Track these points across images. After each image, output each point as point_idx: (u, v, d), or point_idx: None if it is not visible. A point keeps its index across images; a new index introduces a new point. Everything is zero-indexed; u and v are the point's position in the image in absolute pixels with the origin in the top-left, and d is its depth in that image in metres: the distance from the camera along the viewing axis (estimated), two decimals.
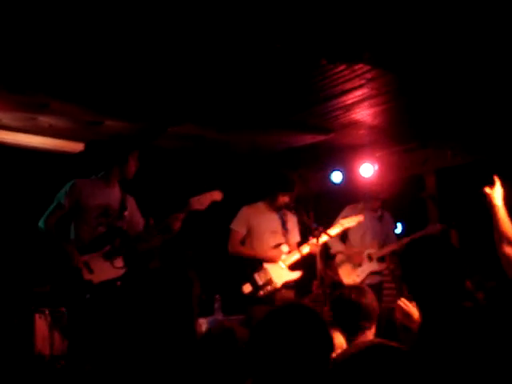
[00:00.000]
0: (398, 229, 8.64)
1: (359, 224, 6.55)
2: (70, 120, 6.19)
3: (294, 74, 5.29)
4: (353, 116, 6.53)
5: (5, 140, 6.42)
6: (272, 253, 5.97)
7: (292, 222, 6.20)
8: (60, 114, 5.98)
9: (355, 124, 6.85)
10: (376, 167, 7.92)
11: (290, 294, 5.99)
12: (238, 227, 6.05)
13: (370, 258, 7.01)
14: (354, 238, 7.11)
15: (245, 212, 6.12)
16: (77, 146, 6.91)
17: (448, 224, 7.33)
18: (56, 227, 4.87)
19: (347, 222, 6.38)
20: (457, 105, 6.15)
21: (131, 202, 5.22)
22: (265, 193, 6.17)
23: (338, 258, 7.14)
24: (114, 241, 4.92)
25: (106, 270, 4.82)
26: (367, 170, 7.92)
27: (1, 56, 4.67)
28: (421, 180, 8.25)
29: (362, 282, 6.78)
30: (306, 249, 6.01)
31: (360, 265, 7.01)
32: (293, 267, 6.06)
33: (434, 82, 5.56)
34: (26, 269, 6.27)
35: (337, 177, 8.47)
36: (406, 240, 6.94)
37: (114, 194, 5.09)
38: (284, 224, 6.10)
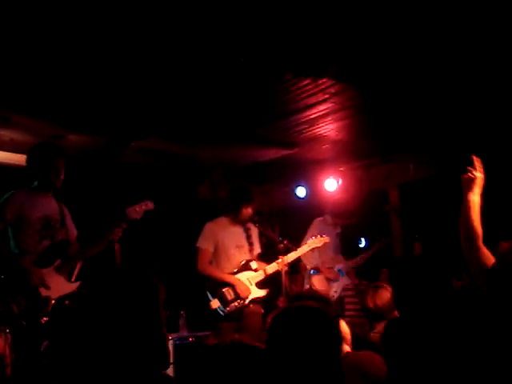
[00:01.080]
0: (362, 243, 8.69)
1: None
2: (31, 134, 6.08)
3: (258, 88, 5.31)
4: (317, 130, 6.57)
5: None
6: (241, 284, 5.90)
7: (255, 234, 6.17)
8: (21, 128, 5.89)
9: (319, 138, 6.90)
10: (340, 182, 7.97)
11: (258, 309, 5.95)
12: (206, 245, 5.95)
13: (341, 272, 7.09)
14: (321, 254, 7.13)
15: (209, 228, 6.03)
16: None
17: (412, 237, 7.43)
18: None
19: (314, 242, 6.38)
20: (419, 119, 6.23)
21: (66, 211, 5.12)
22: (227, 207, 6.13)
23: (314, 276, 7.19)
24: (62, 254, 4.83)
25: (61, 285, 4.72)
26: (331, 184, 7.97)
27: None
28: (384, 194, 8.32)
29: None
30: (270, 269, 6.01)
31: (334, 280, 7.09)
32: (261, 283, 6.04)
33: (396, 97, 5.63)
34: None
35: (301, 191, 8.50)
36: (366, 255, 7.15)
37: (52, 205, 4.98)
38: (249, 237, 6.07)
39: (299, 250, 6.22)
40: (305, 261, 7.07)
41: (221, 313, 5.79)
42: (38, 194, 4.88)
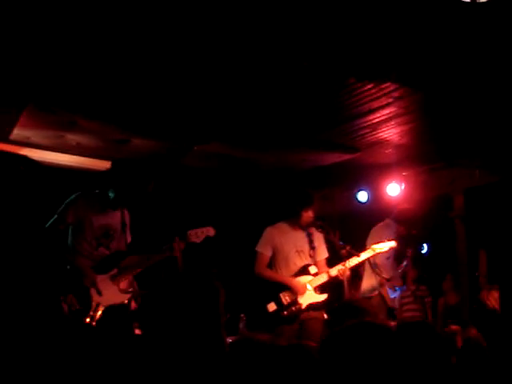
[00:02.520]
0: (424, 249, 8.55)
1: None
2: (97, 138, 6.23)
3: (321, 93, 5.28)
4: (379, 135, 6.49)
5: (33, 158, 6.46)
6: (298, 283, 5.90)
7: (319, 239, 6.13)
8: (87, 132, 6.02)
9: (382, 143, 6.81)
10: (403, 186, 7.85)
11: (318, 314, 5.92)
12: (264, 249, 6.00)
13: (389, 280, 6.99)
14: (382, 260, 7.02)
15: (269, 233, 6.07)
16: (103, 164, 6.93)
17: (477, 244, 7.27)
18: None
19: (379, 248, 6.29)
20: (485, 122, 6.08)
21: (127, 219, 5.19)
22: (287, 211, 6.12)
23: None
24: (119, 264, 4.90)
25: (113, 294, 4.79)
26: (394, 189, 7.86)
27: (31, 75, 4.72)
28: (449, 199, 8.15)
29: None
30: (334, 271, 5.96)
31: (396, 289, 7.02)
32: (320, 289, 6.00)
33: (461, 101, 5.51)
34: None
35: (363, 196, 8.42)
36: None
37: (116, 215, 5.06)
38: (311, 242, 6.04)
39: (363, 254, 6.15)
40: (382, 269, 6.94)
41: (277, 316, 5.79)
42: (108, 205, 4.97)
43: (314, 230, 6.08)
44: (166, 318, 2.45)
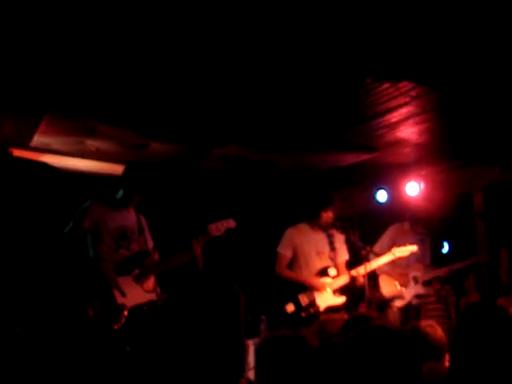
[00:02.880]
0: (445, 248, 8.50)
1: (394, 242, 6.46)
2: (117, 143, 6.27)
3: (339, 94, 5.29)
4: (398, 134, 6.48)
5: (53, 164, 6.53)
6: (319, 282, 5.91)
7: (339, 240, 6.13)
8: (107, 137, 6.08)
9: (400, 142, 6.80)
10: (422, 185, 7.81)
11: (336, 316, 5.91)
12: (284, 250, 6.03)
13: (416, 280, 6.88)
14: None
15: (289, 234, 6.09)
16: (122, 169, 7.00)
17: (498, 242, 7.20)
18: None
19: (399, 251, 6.27)
20: (503, 119, 6.05)
21: (144, 222, 5.24)
22: (307, 212, 6.13)
23: (382, 276, 7.03)
24: (141, 264, 4.93)
25: (138, 294, 4.82)
26: (413, 188, 7.83)
27: (51, 82, 4.78)
28: (468, 198, 8.10)
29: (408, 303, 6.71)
30: (356, 273, 5.95)
31: (405, 286, 6.88)
32: (340, 291, 6.00)
33: (478, 99, 5.49)
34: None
35: (382, 196, 8.38)
36: (453, 267, 6.90)
37: (130, 216, 5.11)
38: (331, 244, 6.04)
39: (383, 257, 6.15)
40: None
41: (296, 317, 5.80)
42: (118, 205, 5.02)
43: (334, 231, 6.08)
44: (187, 324, 2.47)
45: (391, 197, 8.25)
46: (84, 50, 4.24)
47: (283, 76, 4.84)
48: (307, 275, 5.97)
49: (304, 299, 5.88)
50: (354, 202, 9.00)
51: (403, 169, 7.78)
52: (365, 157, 7.21)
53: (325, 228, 6.04)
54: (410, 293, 6.83)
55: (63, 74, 4.65)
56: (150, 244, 5.23)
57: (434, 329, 3.75)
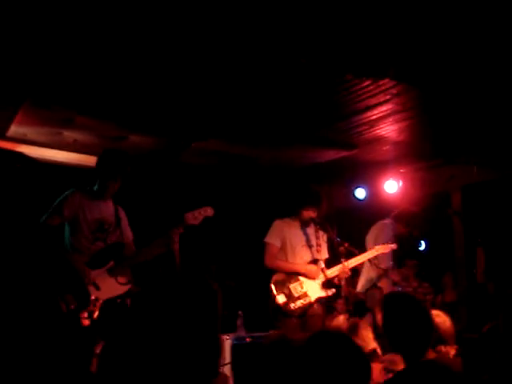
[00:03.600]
0: (422, 246, 8.55)
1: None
2: (95, 135, 6.22)
3: (319, 90, 5.28)
4: (377, 132, 6.49)
5: (29, 155, 6.46)
6: (312, 268, 5.92)
7: (323, 238, 6.14)
8: (85, 128, 6.02)
9: (379, 140, 6.81)
10: (400, 183, 7.84)
11: (320, 310, 5.93)
12: (273, 240, 6.01)
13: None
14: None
15: (278, 225, 6.08)
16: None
17: (475, 241, 7.24)
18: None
19: (381, 248, 6.31)
20: (483, 120, 6.08)
21: (122, 214, 5.19)
22: (291, 207, 6.12)
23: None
24: (116, 256, 4.89)
25: (111, 287, 4.78)
26: (391, 186, 7.86)
27: (28, 72, 4.72)
28: (446, 196, 8.14)
29: None
30: (334, 272, 5.97)
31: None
32: (325, 284, 6.01)
33: (459, 98, 5.51)
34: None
35: (360, 193, 8.41)
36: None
37: (108, 208, 5.06)
38: (317, 239, 6.05)
39: (364, 255, 6.18)
40: (380, 259, 6.89)
41: (285, 309, 5.78)
42: (96, 196, 4.97)
43: (318, 229, 6.09)
44: (160, 318, 2.44)
45: (370, 194, 8.28)
46: (63, 39, 4.19)
47: (263, 70, 4.82)
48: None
49: (296, 290, 5.86)
50: (333, 198, 9.00)
51: (382, 166, 7.80)
52: (344, 153, 7.22)
53: (307, 223, 6.05)
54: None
55: (41, 64, 4.60)
56: (129, 237, 5.19)
57: (443, 319, 3.83)
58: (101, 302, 4.65)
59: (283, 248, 6.02)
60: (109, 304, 4.70)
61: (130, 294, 4.94)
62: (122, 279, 4.86)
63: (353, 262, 6.01)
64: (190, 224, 5.02)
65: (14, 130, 5.92)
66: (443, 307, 7.90)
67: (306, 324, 5.80)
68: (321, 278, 5.95)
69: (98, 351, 4.52)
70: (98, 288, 4.68)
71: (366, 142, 6.87)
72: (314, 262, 5.98)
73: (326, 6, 3.85)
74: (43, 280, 4.74)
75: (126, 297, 4.85)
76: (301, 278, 5.92)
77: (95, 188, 5.02)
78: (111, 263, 4.84)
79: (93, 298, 4.62)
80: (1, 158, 6.10)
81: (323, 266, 5.98)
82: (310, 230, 6.08)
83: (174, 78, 4.96)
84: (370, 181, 8.22)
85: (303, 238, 6.04)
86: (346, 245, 5.97)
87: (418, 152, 7.42)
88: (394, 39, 4.34)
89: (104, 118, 5.78)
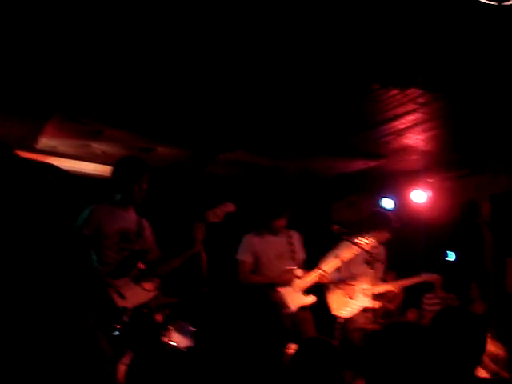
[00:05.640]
0: (451, 257, 8.47)
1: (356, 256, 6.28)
2: (123, 147, 6.27)
3: (346, 99, 5.28)
4: (405, 141, 6.46)
5: (59, 166, 6.52)
6: (285, 276, 5.87)
7: (297, 240, 6.08)
8: (113, 140, 6.08)
9: (407, 149, 6.78)
10: (429, 193, 7.78)
11: (308, 315, 5.87)
12: (245, 256, 5.93)
13: (364, 293, 6.56)
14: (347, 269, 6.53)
15: (247, 240, 6.00)
16: None
17: (505, 251, 7.14)
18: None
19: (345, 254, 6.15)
20: (511, 128, 6.02)
21: (147, 226, 5.17)
22: (261, 220, 6.07)
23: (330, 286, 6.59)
24: (138, 264, 4.87)
25: (137, 295, 4.77)
26: (420, 196, 7.80)
27: (57, 85, 4.78)
28: (475, 206, 8.06)
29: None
30: (321, 271, 5.92)
31: (351, 298, 6.48)
32: (307, 290, 5.95)
33: (486, 107, 5.47)
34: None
35: (388, 203, 8.36)
36: (405, 282, 6.68)
37: (130, 218, 5.04)
38: (290, 244, 5.98)
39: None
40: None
41: None
42: (118, 207, 4.96)
43: (293, 233, 6.04)
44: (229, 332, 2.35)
45: (398, 204, 8.22)
46: (92, 54, 4.24)
47: (291, 81, 4.83)
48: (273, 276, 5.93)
49: (275, 300, 5.79)
50: (361, 208, 8.97)
51: (410, 176, 7.75)
52: (372, 163, 7.20)
53: (282, 231, 6.00)
54: (358, 306, 6.44)
55: (70, 78, 4.66)
56: (154, 247, 5.17)
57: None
58: (129, 311, 4.65)
59: (257, 262, 5.93)
60: (137, 312, 4.70)
61: (158, 306, 4.93)
62: (147, 286, 4.85)
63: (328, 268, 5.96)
64: (211, 221, 4.98)
65: (43, 142, 6.00)
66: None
67: (301, 331, 5.72)
68: (300, 286, 5.88)
69: (126, 362, 4.53)
70: (123, 297, 4.67)
71: (394, 152, 6.84)
72: (290, 271, 5.91)
73: (353, 17, 3.85)
74: (71, 292, 4.75)
75: (154, 307, 4.85)
76: (278, 288, 5.84)
77: (117, 198, 5.00)
78: (135, 271, 4.83)
79: (120, 307, 4.62)
80: (31, 169, 6.16)
81: (301, 273, 5.91)
82: (281, 238, 6.01)
83: (203, 90, 4.99)
84: (397, 191, 8.17)
85: (276, 247, 5.97)
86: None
87: (446, 161, 7.37)
88: (422, 48, 4.33)
89: (132, 129, 5.83)
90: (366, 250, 5.95)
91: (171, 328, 6.34)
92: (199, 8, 3.70)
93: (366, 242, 5.92)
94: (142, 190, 4.90)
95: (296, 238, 6.07)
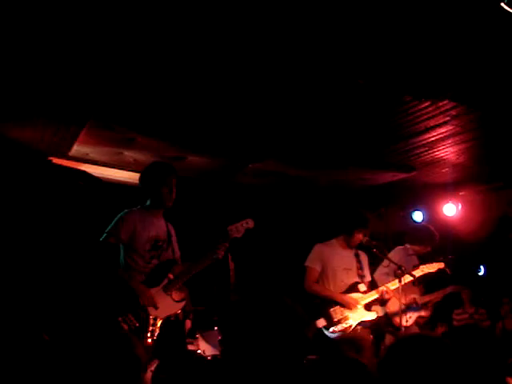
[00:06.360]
0: (481, 271, 8.38)
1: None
2: (154, 155, 6.31)
3: (377, 111, 5.26)
4: (436, 154, 6.42)
5: (91, 173, 6.59)
6: (350, 298, 5.84)
7: (365, 260, 6.09)
8: (145, 149, 6.12)
9: (438, 162, 6.73)
10: (460, 207, 7.72)
11: (366, 335, 5.83)
12: (314, 264, 5.96)
13: (416, 303, 6.65)
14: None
15: (318, 249, 6.04)
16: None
17: None
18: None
19: (427, 267, 6.18)
20: None
21: (173, 231, 5.17)
22: (340, 230, 6.08)
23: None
24: (169, 274, 4.88)
25: (168, 305, 4.79)
26: (451, 209, 7.74)
27: (90, 93, 4.84)
28: (508, 220, 7.96)
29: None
30: (383, 289, 5.91)
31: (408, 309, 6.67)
32: (369, 306, 5.92)
33: None
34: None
35: (418, 216, 8.31)
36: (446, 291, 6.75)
37: (161, 225, 5.06)
38: (359, 262, 6.00)
39: (414, 272, 6.06)
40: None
41: (326, 333, 5.71)
42: (149, 213, 4.98)
43: (361, 252, 6.05)
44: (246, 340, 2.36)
45: (428, 217, 8.16)
46: (125, 63, 4.30)
47: (322, 92, 4.84)
48: (336, 291, 5.91)
49: (336, 313, 5.80)
50: (390, 220, 8.92)
51: (441, 189, 7.70)
52: (402, 176, 7.16)
53: (353, 247, 6.01)
54: (412, 316, 6.55)
55: (103, 85, 4.71)
56: (178, 253, 5.19)
57: None
58: (160, 320, 4.67)
59: (323, 271, 5.96)
60: (167, 322, 4.72)
61: (185, 312, 4.95)
62: (176, 296, 4.87)
63: (395, 284, 5.90)
64: (233, 237, 5.00)
65: (76, 149, 6.07)
66: (504, 335, 7.72)
67: (359, 347, 5.68)
68: (363, 301, 5.87)
69: (152, 368, 4.56)
70: (156, 307, 4.70)
71: (425, 164, 6.80)
72: (353, 286, 5.91)
73: (387, 30, 3.85)
74: (102, 299, 4.78)
75: (182, 315, 4.87)
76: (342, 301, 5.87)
77: (148, 204, 5.02)
78: (165, 281, 4.86)
79: (152, 317, 4.65)
80: (64, 175, 6.24)
81: (364, 288, 5.91)
82: (355, 253, 6.03)
83: (234, 101, 5.02)
84: (428, 203, 8.11)
85: (345, 261, 5.98)
86: (404, 268, 5.88)
87: (478, 174, 7.30)
88: (454, 60, 4.30)
89: (164, 138, 5.87)
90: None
91: (198, 336, 6.37)
92: (226, 22, 3.74)
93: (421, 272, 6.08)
94: (171, 192, 4.93)
95: (363, 256, 6.09)
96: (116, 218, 4.87)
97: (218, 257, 4.89)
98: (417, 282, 6.50)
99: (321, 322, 5.77)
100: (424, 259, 6.40)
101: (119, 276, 4.75)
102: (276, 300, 2.38)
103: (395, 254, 6.81)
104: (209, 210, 7.43)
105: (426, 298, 6.67)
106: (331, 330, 5.73)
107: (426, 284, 6.99)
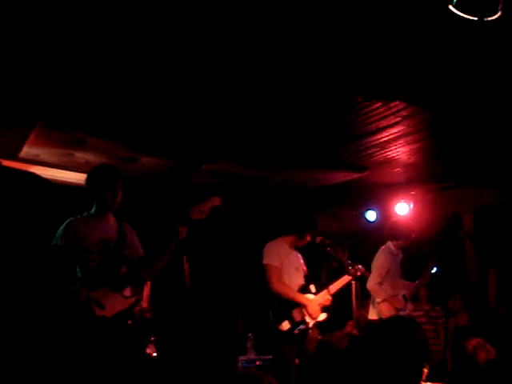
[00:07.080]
0: (434, 269, 8.50)
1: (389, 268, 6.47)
2: (106, 156, 6.23)
3: (329, 112, 5.28)
4: (388, 154, 6.49)
5: (42, 176, 6.47)
6: (308, 299, 5.86)
7: (302, 259, 6.14)
8: (96, 150, 6.04)
9: (390, 162, 6.80)
10: (411, 206, 7.83)
11: (316, 335, 5.87)
12: (274, 262, 5.85)
13: (405, 299, 6.87)
14: (384, 281, 6.97)
15: (274, 246, 5.98)
16: None
17: (487, 263, 7.20)
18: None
19: (339, 284, 6.18)
20: (494, 141, 6.07)
21: (128, 230, 5.10)
22: (291, 230, 6.07)
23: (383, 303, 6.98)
24: (118, 270, 4.81)
25: (117, 302, 4.71)
26: (402, 208, 7.84)
27: (40, 93, 4.75)
28: (458, 218, 8.11)
29: None
30: (332, 290, 5.97)
31: (401, 309, 6.88)
32: (323, 307, 5.95)
33: (470, 120, 5.51)
34: None
35: (371, 215, 8.40)
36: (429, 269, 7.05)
37: (109, 226, 4.99)
38: (303, 262, 6.05)
39: (338, 281, 6.13)
40: (373, 293, 6.95)
41: (289, 334, 5.72)
42: (94, 217, 4.91)
43: (297, 252, 6.10)
44: (184, 343, 2.36)
45: (381, 216, 8.26)
46: (75, 62, 4.23)
47: (273, 93, 4.83)
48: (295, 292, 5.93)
49: (297, 315, 5.80)
50: (343, 220, 9.00)
51: (393, 188, 7.79)
52: (355, 175, 7.21)
53: (296, 247, 6.04)
54: (405, 314, 6.79)
55: (54, 86, 4.63)
56: (138, 252, 5.09)
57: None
58: (107, 319, 4.60)
59: (282, 270, 5.92)
60: (116, 319, 4.64)
61: (144, 314, 4.88)
62: (126, 292, 4.79)
63: (333, 288, 5.98)
64: (195, 219, 4.88)
65: (26, 150, 5.95)
66: (456, 331, 7.86)
67: (305, 349, 5.72)
68: (319, 302, 5.90)
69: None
70: (102, 307, 4.62)
71: (377, 164, 6.86)
72: (305, 286, 5.93)
73: (336, 29, 3.86)
74: (53, 304, 4.70)
75: (135, 314, 4.79)
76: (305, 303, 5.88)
77: (93, 208, 4.95)
78: (113, 279, 4.77)
79: (99, 316, 4.58)
80: (13, 178, 6.11)
81: (315, 289, 5.95)
82: (295, 253, 6.06)
83: (186, 101, 4.99)
84: (380, 203, 8.21)
85: (294, 261, 6.01)
86: (358, 266, 5.95)
87: (429, 174, 7.41)
88: (405, 61, 4.35)
89: (116, 139, 5.80)
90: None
91: (154, 339, 6.29)
92: (179, 20, 3.71)
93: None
94: (116, 196, 4.85)
95: (301, 256, 6.11)
96: (58, 231, 4.78)
97: (179, 237, 4.76)
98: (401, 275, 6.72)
99: (285, 325, 5.74)
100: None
101: (63, 281, 4.67)
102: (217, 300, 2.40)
103: (380, 255, 6.98)
104: (165, 209, 7.36)
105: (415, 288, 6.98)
106: (294, 332, 5.75)
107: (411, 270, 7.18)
